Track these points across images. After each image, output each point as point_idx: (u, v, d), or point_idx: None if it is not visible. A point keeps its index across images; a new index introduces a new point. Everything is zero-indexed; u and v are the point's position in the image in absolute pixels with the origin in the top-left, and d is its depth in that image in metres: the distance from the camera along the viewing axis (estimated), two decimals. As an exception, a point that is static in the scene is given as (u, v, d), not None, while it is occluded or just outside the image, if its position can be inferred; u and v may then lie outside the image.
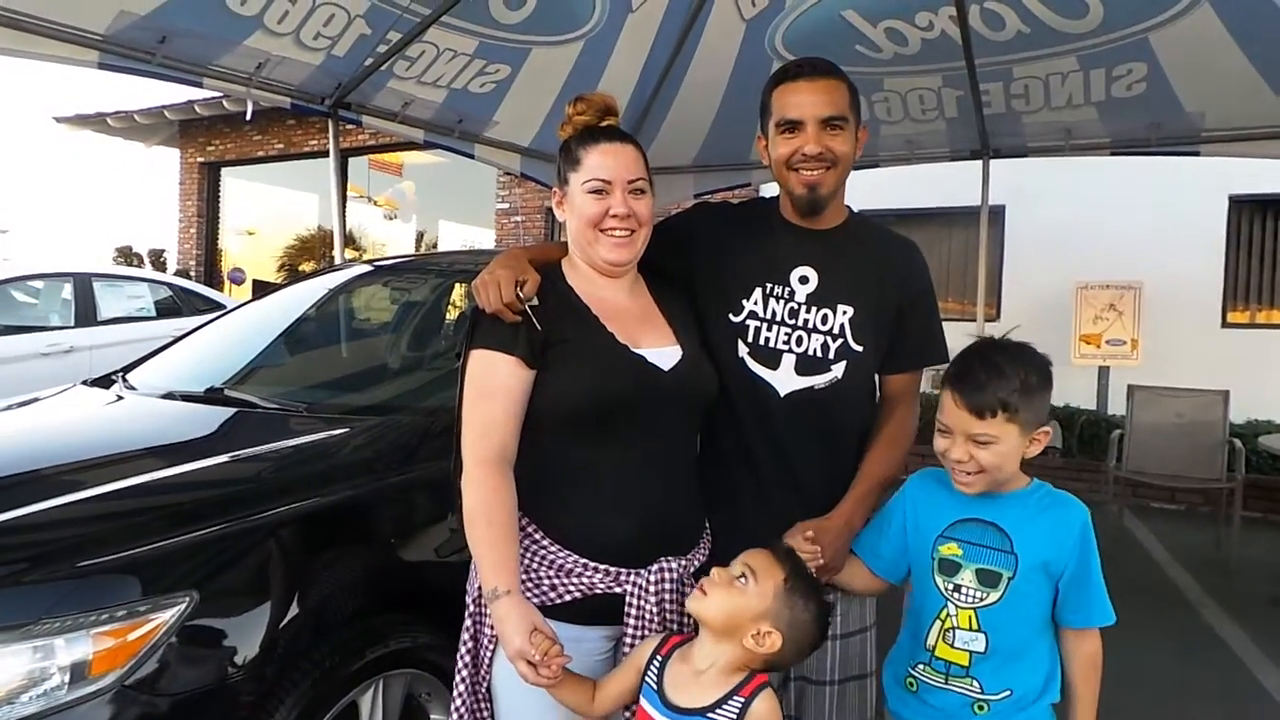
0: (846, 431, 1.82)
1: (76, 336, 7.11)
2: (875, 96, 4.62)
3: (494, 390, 1.60)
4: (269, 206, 13.89)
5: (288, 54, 3.83)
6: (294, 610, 1.84)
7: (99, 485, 1.98)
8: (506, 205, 10.89)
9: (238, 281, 12.58)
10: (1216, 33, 3.65)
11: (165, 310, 7.89)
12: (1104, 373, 7.30)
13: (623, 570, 1.58)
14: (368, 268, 3.87)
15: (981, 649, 1.53)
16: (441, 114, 4.71)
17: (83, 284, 7.42)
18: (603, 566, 1.58)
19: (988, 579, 1.54)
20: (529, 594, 1.55)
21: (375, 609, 2.03)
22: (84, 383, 3.04)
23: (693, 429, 1.76)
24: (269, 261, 13.35)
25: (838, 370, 1.77)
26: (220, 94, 9.83)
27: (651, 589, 1.58)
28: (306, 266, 12.64)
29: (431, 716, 2.20)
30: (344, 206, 4.89)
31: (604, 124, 1.74)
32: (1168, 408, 5.59)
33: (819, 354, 1.76)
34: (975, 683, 1.54)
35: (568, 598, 1.58)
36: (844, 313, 1.77)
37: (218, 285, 12.24)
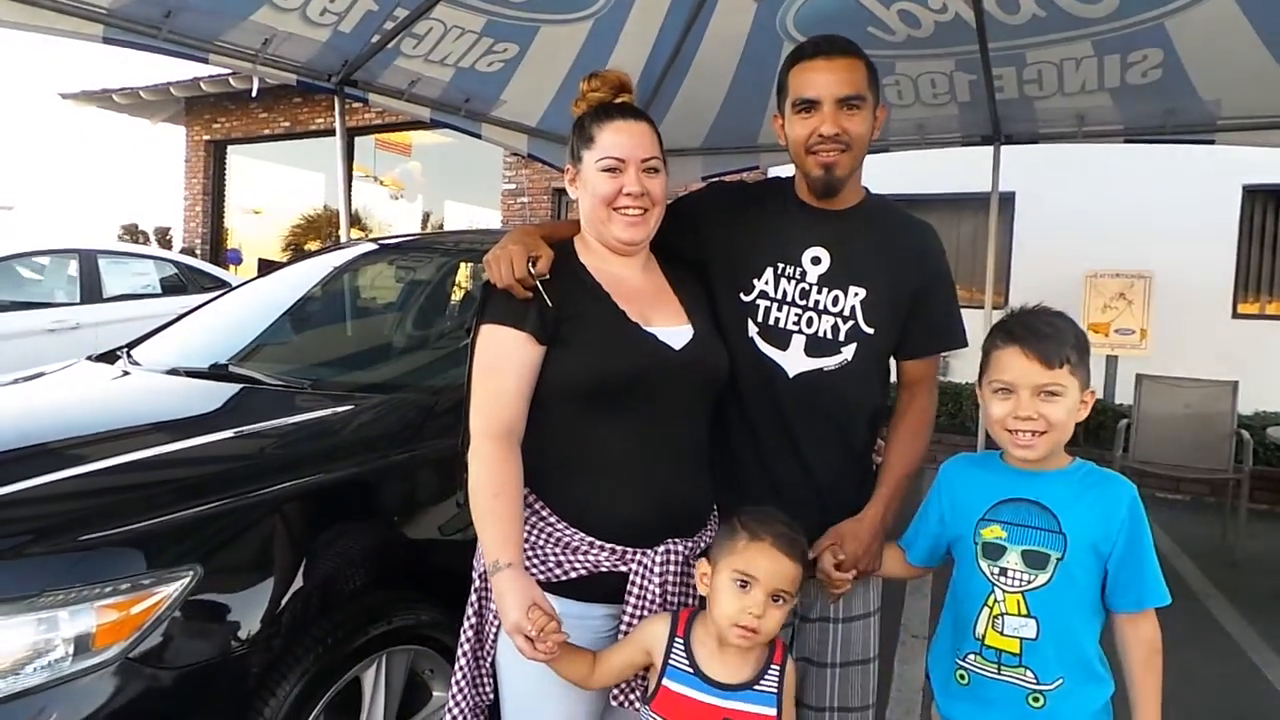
0: (855, 414, 1.80)
1: (82, 313, 7.10)
2: (886, 80, 4.57)
3: (503, 365, 1.59)
4: (275, 185, 13.87)
5: (294, 30, 3.80)
6: (297, 586, 1.84)
7: (103, 460, 1.97)
8: (513, 186, 10.86)
9: (235, 262, 12.57)
10: (1234, 20, 3.60)
11: (171, 288, 7.89)
12: (1112, 362, 7.27)
13: (629, 550, 1.58)
14: (373, 246, 3.85)
15: (1033, 635, 1.48)
16: (449, 93, 4.68)
17: (88, 261, 7.42)
18: (609, 545, 1.58)
19: (1035, 560, 1.49)
20: (534, 570, 1.55)
21: (379, 585, 2.03)
22: (89, 358, 3.04)
23: (703, 409, 1.75)
24: (275, 240, 13.34)
25: (848, 353, 1.75)
26: (226, 71, 9.81)
27: (656, 570, 1.58)
28: (312, 246, 12.62)
29: (434, 693, 2.21)
30: (350, 185, 4.87)
31: (618, 101, 1.72)
32: (1176, 398, 5.57)
33: (829, 336, 1.75)
34: (1029, 672, 1.49)
35: (573, 575, 1.57)
36: (855, 295, 1.75)
37: (224, 263, 12.23)
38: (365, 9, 3.79)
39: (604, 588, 1.58)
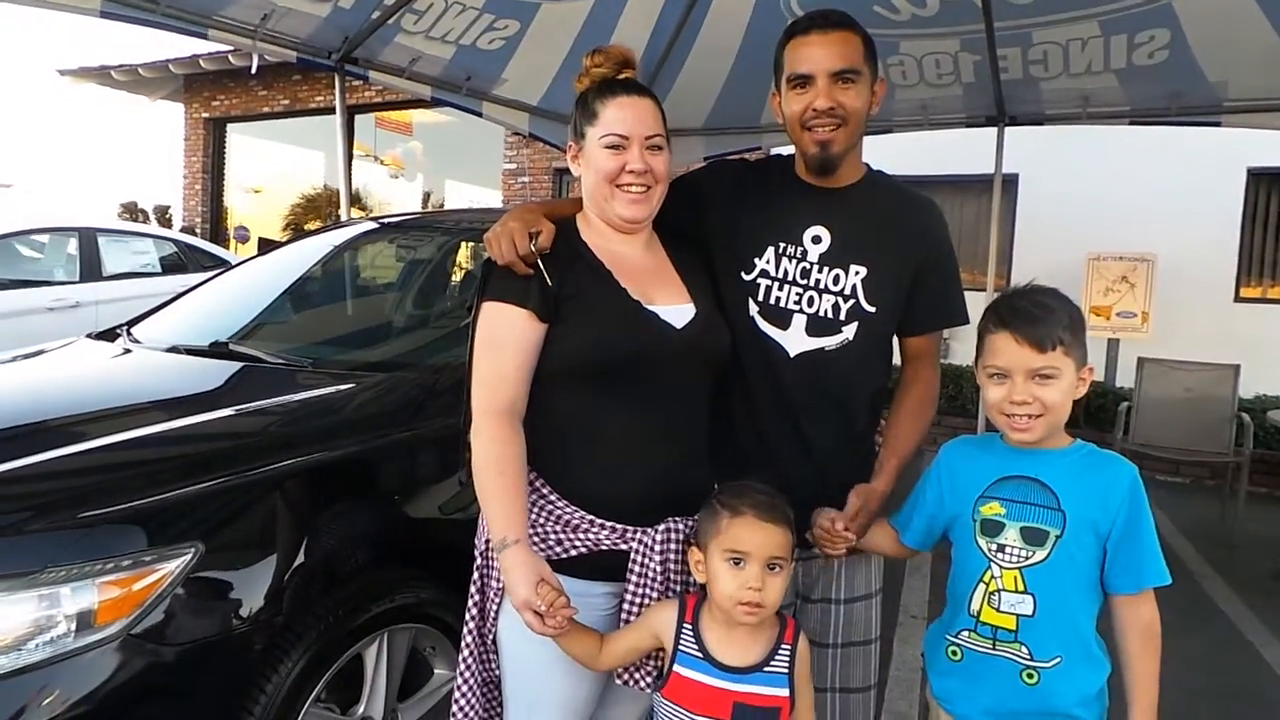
0: (857, 394, 1.79)
1: (81, 291, 7.09)
2: (891, 60, 4.54)
3: (504, 343, 1.58)
4: (274, 163, 13.81)
5: (294, 5, 3.77)
6: (299, 563, 1.85)
7: (104, 436, 1.97)
8: (513, 166, 10.81)
9: (242, 239, 12.53)
10: (1242, 1, 3.57)
11: (171, 266, 7.86)
12: (1114, 345, 7.27)
13: (629, 528, 1.58)
14: (374, 225, 3.83)
15: (1029, 612, 1.48)
16: (449, 71, 4.65)
17: (88, 239, 7.39)
18: (609, 523, 1.58)
19: (1034, 537, 1.48)
20: (535, 548, 1.55)
21: (381, 564, 2.04)
22: (89, 336, 3.03)
23: (704, 388, 1.74)
24: (274, 219, 13.30)
25: (849, 332, 1.74)
26: (225, 48, 9.74)
27: (657, 547, 1.58)
28: (312, 225, 12.58)
29: (435, 670, 2.22)
30: (350, 164, 4.84)
31: (622, 77, 1.71)
32: (1177, 381, 5.56)
33: (830, 315, 1.74)
34: (1024, 648, 1.48)
35: (573, 553, 1.58)
36: (856, 273, 1.74)
37: (223, 242, 12.21)
38: (365, -16, 3.76)
39: (605, 566, 1.59)
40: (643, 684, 1.59)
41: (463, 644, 1.68)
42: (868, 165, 1.83)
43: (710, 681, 1.48)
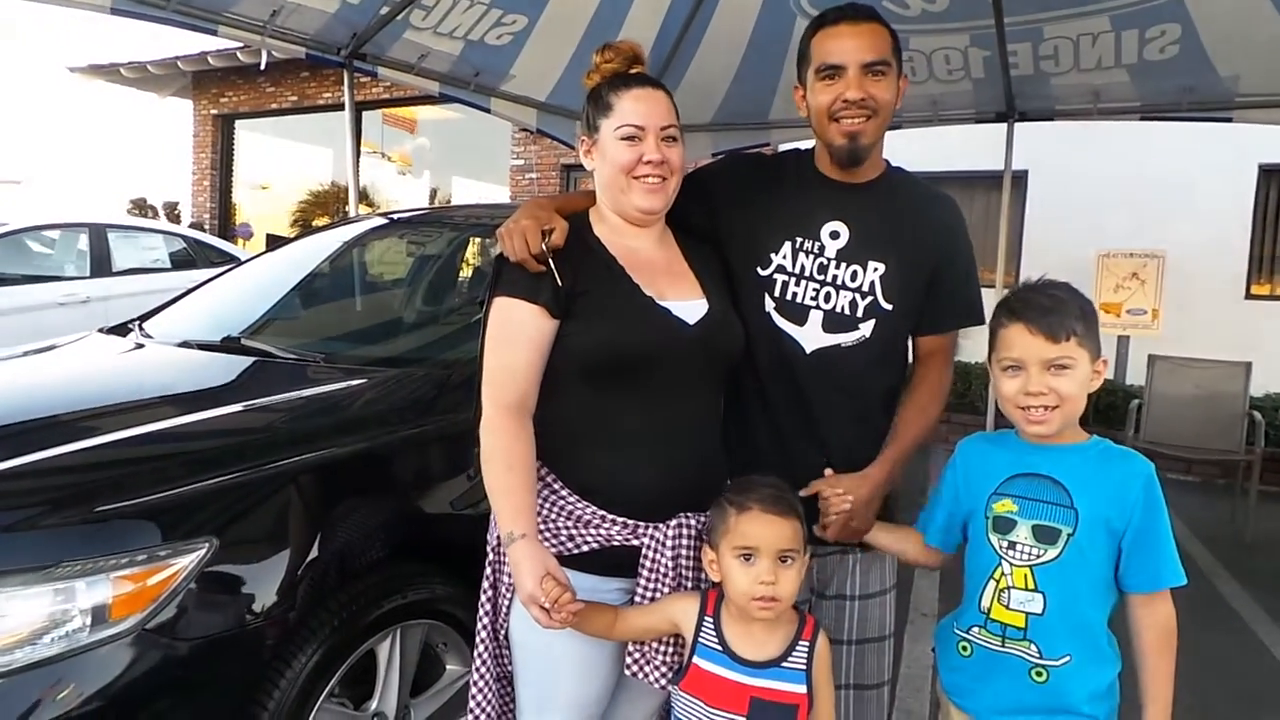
0: (873, 390, 1.78)
1: (92, 287, 7.11)
2: (901, 56, 4.52)
3: (516, 338, 1.58)
4: (282, 160, 13.83)
5: (303, 1, 3.77)
6: (312, 558, 1.85)
7: (118, 431, 1.98)
8: (521, 162, 10.81)
9: (246, 237, 12.53)
10: (1255, -6, 3.55)
11: (180, 262, 7.88)
12: (1124, 342, 7.23)
13: (641, 524, 1.58)
14: (384, 220, 3.84)
15: (1039, 610, 1.47)
16: (458, 66, 4.64)
17: (98, 235, 7.42)
18: (621, 519, 1.57)
19: (1045, 535, 1.48)
20: (546, 543, 1.55)
21: (393, 559, 2.04)
22: (100, 331, 3.04)
23: (717, 385, 1.74)
24: (282, 216, 13.31)
25: (866, 329, 1.73)
26: (234, 45, 9.74)
27: (668, 543, 1.58)
28: (320, 221, 12.59)
29: (448, 666, 2.22)
30: (358, 160, 4.85)
31: (633, 71, 1.70)
32: (1188, 378, 5.54)
33: (847, 311, 1.73)
34: (1033, 646, 1.47)
35: (585, 548, 1.58)
36: (875, 270, 1.73)
37: (231, 238, 12.21)
38: (374, -21, 3.76)
39: (616, 561, 1.58)
40: (652, 678, 1.59)
41: (477, 640, 1.68)
42: (887, 162, 1.82)
43: (729, 675, 1.48)
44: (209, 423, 2.07)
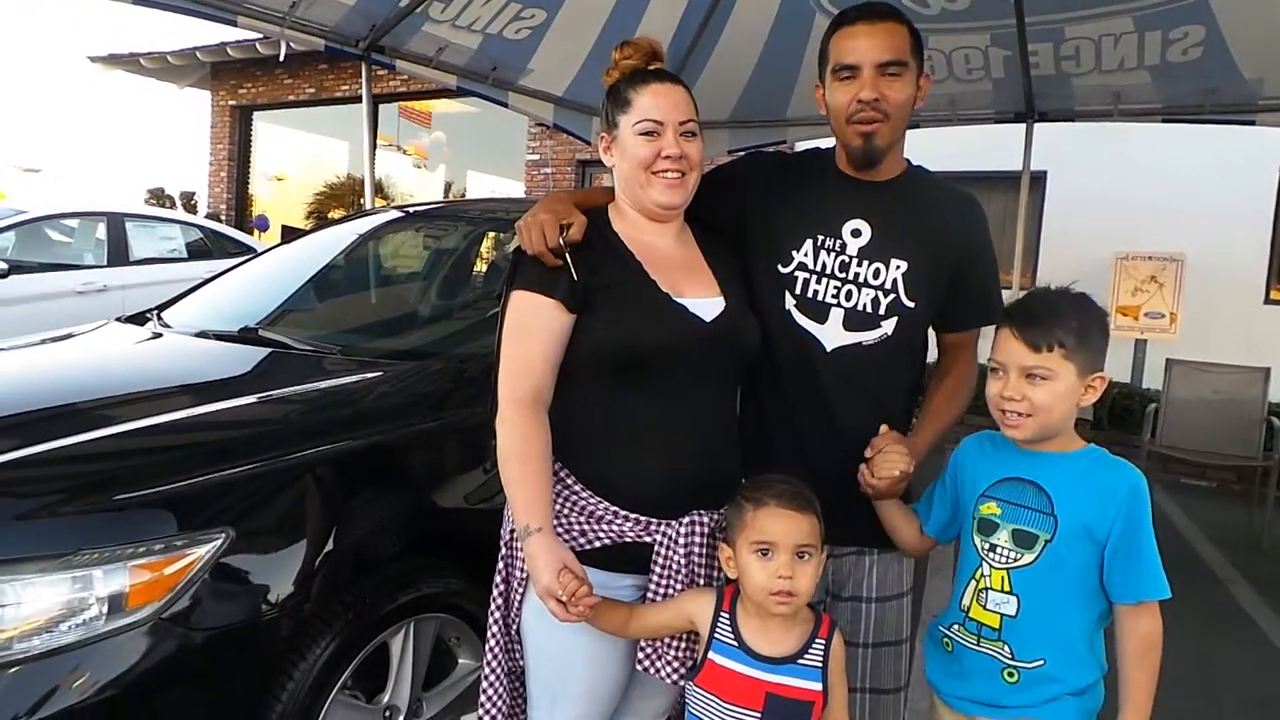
0: (893, 389, 1.78)
1: (110, 276, 7.15)
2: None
3: (532, 331, 1.58)
4: (299, 152, 13.88)
5: (322, -9, 3.78)
6: (327, 550, 1.86)
7: (135, 420, 1.98)
8: (537, 157, 10.81)
9: (262, 228, 12.57)
10: (1281, -4, 3.51)
11: (197, 252, 7.92)
12: (1141, 345, 7.18)
13: (654, 520, 1.58)
14: (400, 213, 3.84)
15: (1012, 612, 1.49)
16: (476, 60, 4.65)
17: (116, 224, 7.46)
18: (634, 515, 1.57)
19: (1023, 539, 1.49)
20: (559, 538, 1.55)
21: (407, 553, 2.05)
22: (118, 320, 3.05)
23: (733, 382, 1.74)
24: (298, 208, 13.36)
25: (888, 326, 1.72)
26: (253, 36, 9.77)
27: (681, 540, 1.58)
28: (336, 214, 12.63)
29: (460, 660, 2.22)
30: (374, 153, 4.86)
31: (651, 67, 1.70)
32: (1205, 383, 5.50)
33: (869, 309, 1.72)
34: (1006, 647, 1.50)
35: (597, 544, 1.58)
36: (897, 267, 1.72)
37: (248, 229, 12.27)
38: (394, -28, 3.76)
39: (629, 558, 1.58)
40: (664, 673, 1.59)
41: (488, 634, 1.69)
42: (909, 161, 1.81)
43: (744, 670, 1.48)
44: (226, 413, 2.08)
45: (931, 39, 4.38)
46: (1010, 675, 1.50)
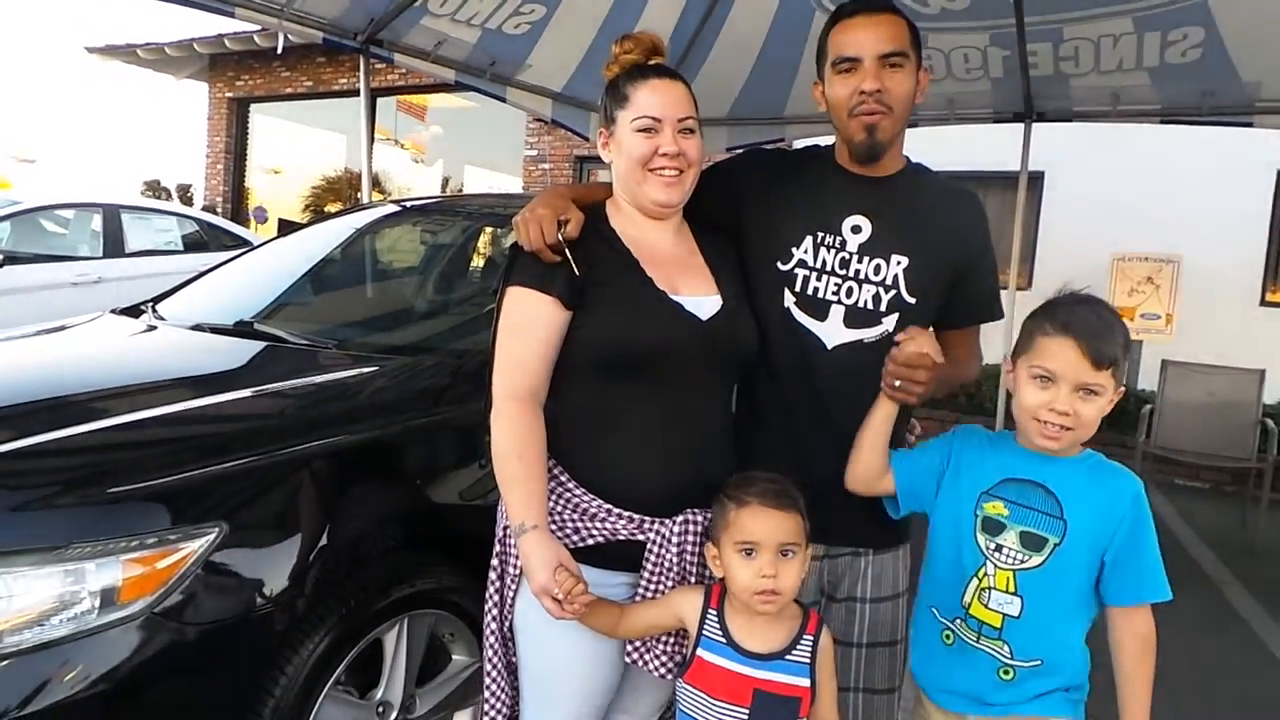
0: None
1: (105, 267, 7.13)
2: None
3: (528, 328, 1.58)
4: (296, 145, 13.84)
5: (321, -15, 3.77)
6: (321, 545, 1.85)
7: (129, 413, 1.98)
8: (535, 152, 10.80)
9: (261, 220, 12.55)
10: (1281, -1, 3.51)
11: (192, 245, 7.90)
12: (1137, 347, 7.19)
13: (647, 518, 1.57)
14: (397, 207, 3.83)
15: (1016, 613, 1.49)
16: (474, 55, 4.64)
17: (112, 215, 7.44)
18: (627, 513, 1.57)
19: (1032, 542, 1.49)
20: (553, 535, 1.55)
21: (402, 548, 2.04)
22: (113, 312, 3.04)
23: (729, 381, 1.73)
24: (295, 201, 13.34)
25: (889, 323, 1.71)
26: (251, 28, 9.74)
27: (674, 539, 1.58)
28: (332, 208, 12.60)
29: (454, 656, 2.22)
30: (372, 147, 4.85)
31: (652, 62, 1.69)
32: (1201, 385, 5.52)
33: (870, 306, 1.71)
34: (1006, 646, 1.50)
35: (590, 542, 1.57)
36: (898, 263, 1.72)
37: (244, 222, 12.23)
38: (393, -36, 3.75)
39: (622, 555, 1.58)
40: (652, 666, 1.59)
41: (486, 631, 1.68)
42: (908, 158, 1.81)
43: (732, 667, 1.48)
44: (221, 407, 2.07)
45: (931, 38, 4.37)
46: (1006, 673, 1.51)
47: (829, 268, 1.73)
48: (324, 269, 3.29)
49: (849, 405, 1.70)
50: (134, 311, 3.00)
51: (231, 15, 3.80)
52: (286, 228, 7.96)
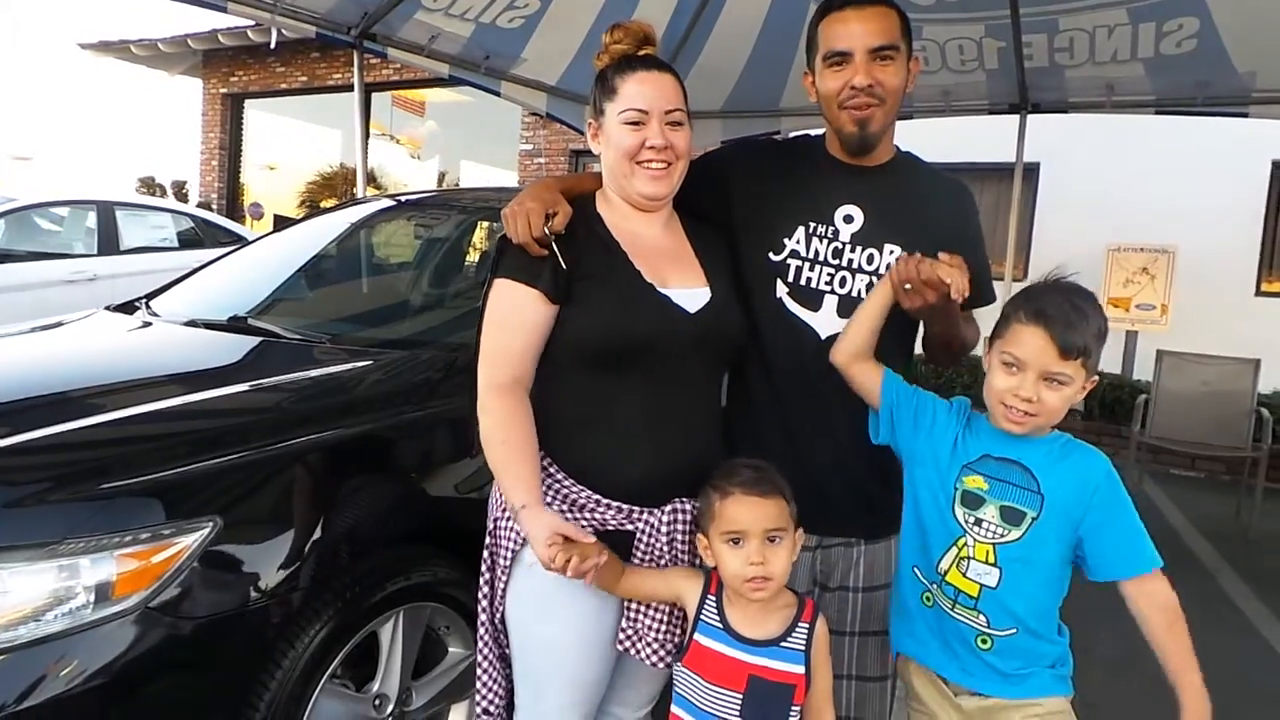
0: None
1: (100, 264, 7.12)
2: (913, 46, 4.48)
3: (513, 321, 1.58)
4: (291, 141, 13.81)
5: (314, -21, 3.75)
6: (316, 539, 1.85)
7: (123, 409, 1.97)
8: (530, 147, 10.78)
9: (256, 216, 12.54)
10: (1275, -11, 3.51)
11: (188, 241, 7.89)
12: (1132, 337, 7.21)
13: (636, 508, 1.58)
14: (392, 202, 3.83)
15: (993, 584, 1.50)
16: (468, 49, 4.62)
17: (106, 212, 7.42)
18: (615, 504, 1.58)
19: (1011, 516, 1.51)
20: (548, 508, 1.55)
21: (397, 541, 2.05)
22: (107, 309, 3.04)
23: (717, 372, 1.73)
24: (290, 197, 13.32)
25: None
26: (245, 23, 9.71)
27: (663, 528, 1.59)
28: (328, 203, 12.58)
29: (450, 649, 2.22)
30: (366, 142, 4.83)
31: (641, 53, 1.68)
32: (1195, 375, 5.53)
33: (863, 295, 1.71)
34: (982, 616, 1.52)
35: None
36: (890, 252, 1.72)
37: (239, 218, 12.22)
38: (386, -42, 3.74)
39: (611, 545, 1.56)
40: (644, 654, 1.60)
41: (479, 621, 1.69)
42: (898, 147, 1.81)
43: (728, 652, 1.49)
44: (214, 402, 2.07)
45: (926, 30, 4.37)
46: (984, 642, 1.52)
47: (822, 258, 1.73)
48: (318, 264, 3.29)
49: (842, 394, 1.71)
50: (128, 308, 2.99)
51: (224, 10, 3.78)
52: (282, 223, 7.95)
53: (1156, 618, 1.47)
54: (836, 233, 1.74)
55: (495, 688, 1.69)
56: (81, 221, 7.49)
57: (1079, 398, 1.50)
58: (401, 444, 2.15)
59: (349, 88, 4.82)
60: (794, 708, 1.49)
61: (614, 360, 1.58)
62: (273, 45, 4.21)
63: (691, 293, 1.65)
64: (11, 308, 5.83)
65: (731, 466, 1.53)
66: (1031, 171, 7.69)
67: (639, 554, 1.58)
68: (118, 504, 1.67)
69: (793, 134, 5.47)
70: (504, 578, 1.63)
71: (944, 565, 1.56)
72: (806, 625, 1.51)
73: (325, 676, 1.86)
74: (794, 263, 1.74)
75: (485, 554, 1.67)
